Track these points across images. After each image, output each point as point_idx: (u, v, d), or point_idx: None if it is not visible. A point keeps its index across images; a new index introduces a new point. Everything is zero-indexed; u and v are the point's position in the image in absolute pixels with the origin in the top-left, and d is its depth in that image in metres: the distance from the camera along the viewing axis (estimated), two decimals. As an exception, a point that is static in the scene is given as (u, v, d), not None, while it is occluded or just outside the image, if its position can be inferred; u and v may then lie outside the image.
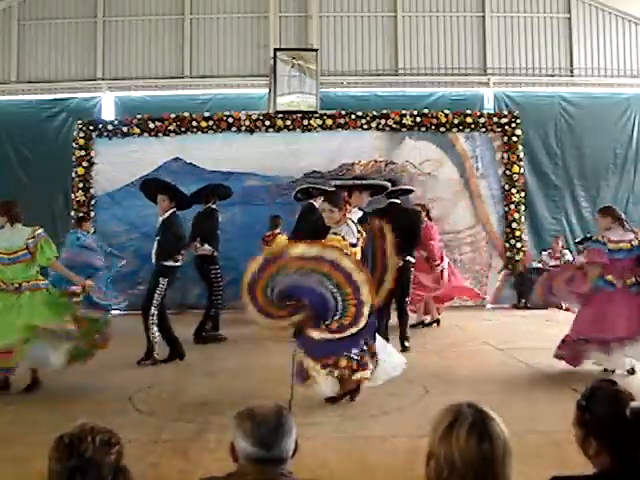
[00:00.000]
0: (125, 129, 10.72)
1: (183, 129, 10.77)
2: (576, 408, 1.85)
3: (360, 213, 5.99)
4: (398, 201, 7.25)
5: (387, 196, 7.16)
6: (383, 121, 10.83)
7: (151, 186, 6.94)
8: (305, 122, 10.83)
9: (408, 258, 6.99)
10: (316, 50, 11.65)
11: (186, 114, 10.79)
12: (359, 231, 4.79)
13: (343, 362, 4.52)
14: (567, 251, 11.00)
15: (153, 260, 6.55)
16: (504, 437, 1.63)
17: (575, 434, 1.84)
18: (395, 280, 6.06)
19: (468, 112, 11.01)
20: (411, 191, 8.21)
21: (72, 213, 10.60)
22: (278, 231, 9.00)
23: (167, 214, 6.55)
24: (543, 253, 11.14)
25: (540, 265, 10.77)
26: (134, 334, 8.48)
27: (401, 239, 6.21)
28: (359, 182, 6.77)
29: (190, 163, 10.71)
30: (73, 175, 10.60)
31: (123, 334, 8.42)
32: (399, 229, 6.10)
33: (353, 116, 10.84)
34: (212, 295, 7.97)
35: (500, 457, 1.61)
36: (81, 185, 10.57)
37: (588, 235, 10.65)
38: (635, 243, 5.71)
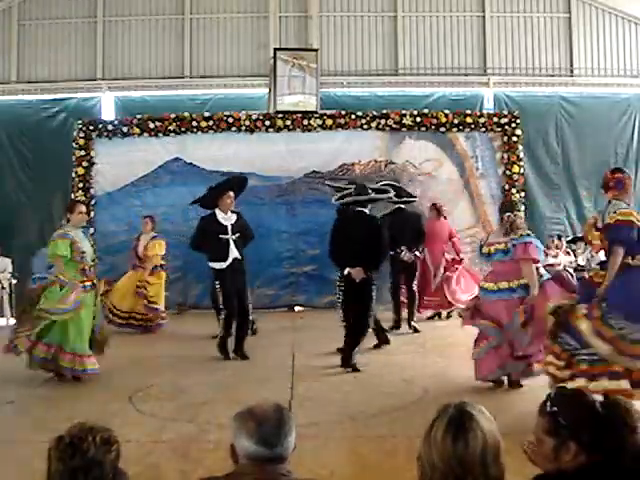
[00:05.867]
0: (125, 129, 10.70)
1: (183, 129, 10.74)
2: (543, 417, 1.75)
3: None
4: (403, 207, 8.53)
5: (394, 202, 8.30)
6: (383, 121, 10.81)
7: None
8: (305, 122, 10.80)
9: (417, 254, 8.48)
10: (316, 50, 11.63)
11: (186, 114, 10.77)
12: None
13: None
14: (559, 251, 10.25)
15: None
16: (484, 436, 1.53)
17: (542, 445, 1.73)
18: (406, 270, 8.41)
19: (468, 112, 10.98)
20: (414, 199, 8.98)
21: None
22: (154, 234, 8.71)
23: None
24: None
25: None
26: (133, 333, 8.53)
27: (411, 239, 8.37)
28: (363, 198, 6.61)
29: (190, 163, 10.69)
30: (73, 175, 10.58)
31: (123, 334, 8.49)
32: (409, 231, 8.34)
33: (353, 116, 10.82)
34: None
35: (478, 456, 1.51)
36: (81, 185, 10.55)
37: (579, 235, 10.60)
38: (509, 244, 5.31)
